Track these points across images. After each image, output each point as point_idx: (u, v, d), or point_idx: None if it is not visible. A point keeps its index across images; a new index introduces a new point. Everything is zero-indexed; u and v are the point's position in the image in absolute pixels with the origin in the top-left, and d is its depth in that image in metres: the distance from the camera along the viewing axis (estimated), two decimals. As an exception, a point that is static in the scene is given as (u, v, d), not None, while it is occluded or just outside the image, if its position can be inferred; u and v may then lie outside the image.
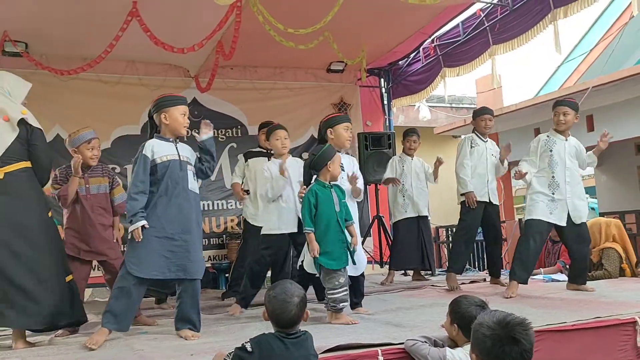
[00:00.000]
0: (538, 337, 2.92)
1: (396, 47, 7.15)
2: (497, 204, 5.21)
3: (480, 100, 10.36)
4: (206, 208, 6.89)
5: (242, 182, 5.35)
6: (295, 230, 4.12)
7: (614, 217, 6.09)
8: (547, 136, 4.55)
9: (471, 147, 5.13)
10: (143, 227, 3.16)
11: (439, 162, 5.69)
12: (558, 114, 4.47)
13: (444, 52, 7.02)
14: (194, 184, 3.41)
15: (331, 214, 3.61)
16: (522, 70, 26.69)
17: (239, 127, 7.14)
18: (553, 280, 5.26)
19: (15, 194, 3.31)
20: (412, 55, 7.57)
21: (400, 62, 7.80)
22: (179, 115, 3.37)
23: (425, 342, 2.59)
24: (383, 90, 8.10)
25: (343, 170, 3.95)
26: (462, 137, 5.39)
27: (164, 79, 6.73)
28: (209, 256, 6.78)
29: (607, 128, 7.80)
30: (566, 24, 5.57)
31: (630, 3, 6.42)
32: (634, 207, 8.46)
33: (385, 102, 8.11)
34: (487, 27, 6.30)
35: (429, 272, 6.13)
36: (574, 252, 4.53)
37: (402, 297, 4.75)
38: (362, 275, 4.04)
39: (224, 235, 6.91)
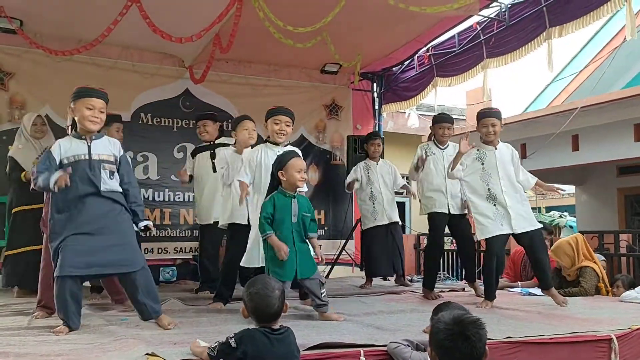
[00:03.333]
0: (516, 348, 2.99)
1: (392, 53, 7.19)
2: (460, 213, 5.13)
3: (470, 112, 10.46)
4: (190, 199, 6.83)
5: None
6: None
7: (592, 237, 6.20)
8: (477, 150, 4.52)
9: (426, 155, 5.14)
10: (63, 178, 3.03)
11: (413, 196, 5.88)
12: (487, 126, 4.44)
13: (437, 62, 7.09)
14: (109, 184, 3.27)
15: (286, 225, 3.55)
16: (512, 86, 26.99)
17: (230, 121, 7.11)
18: (530, 294, 5.33)
19: None
20: (406, 63, 7.61)
21: (394, 69, 7.85)
22: (83, 108, 3.21)
23: (408, 345, 2.63)
24: (375, 95, 8.14)
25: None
26: (419, 145, 5.34)
27: (158, 67, 6.69)
28: (190, 248, 6.74)
29: (591, 148, 8.00)
30: (559, 43, 5.66)
31: (623, 27, 6.55)
32: (612, 227, 8.63)
33: (377, 107, 8.15)
34: (483, 41, 6.36)
35: (400, 276, 6.15)
36: (531, 258, 4.58)
37: (383, 301, 4.79)
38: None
39: (207, 228, 6.86)
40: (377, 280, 6.23)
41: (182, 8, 5.18)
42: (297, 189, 3.63)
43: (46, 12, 5.49)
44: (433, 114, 12.27)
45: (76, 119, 3.25)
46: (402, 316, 3.83)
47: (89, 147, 3.25)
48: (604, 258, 5.73)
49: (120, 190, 3.33)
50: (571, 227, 11.41)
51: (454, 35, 6.84)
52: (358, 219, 7.10)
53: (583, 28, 5.34)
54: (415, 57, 7.39)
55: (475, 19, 6.44)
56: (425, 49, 7.17)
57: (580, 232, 6.26)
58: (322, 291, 3.65)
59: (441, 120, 5.22)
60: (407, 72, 7.73)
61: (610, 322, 3.56)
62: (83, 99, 3.24)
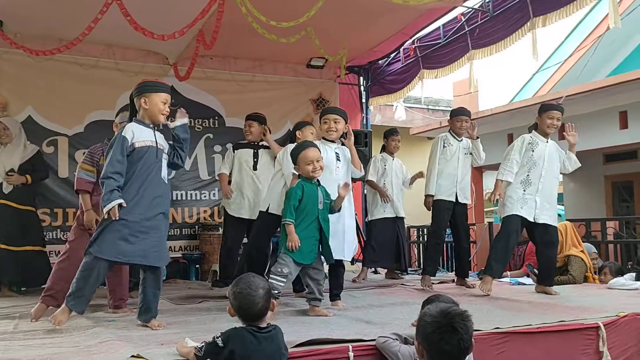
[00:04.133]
0: (504, 338, 3.00)
1: (377, 46, 7.17)
2: (466, 203, 5.28)
3: (457, 104, 10.46)
4: (179, 198, 6.82)
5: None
6: None
7: (580, 224, 6.24)
8: (531, 137, 4.70)
9: (444, 146, 5.24)
10: (120, 205, 3.12)
11: (419, 176, 5.92)
12: (552, 118, 4.62)
13: (423, 54, 7.08)
14: (165, 173, 3.40)
15: (314, 211, 3.65)
16: (498, 77, 27.08)
17: (216, 117, 7.07)
18: (520, 283, 5.36)
19: None
20: (392, 55, 7.60)
21: (380, 62, 7.83)
22: (159, 102, 3.35)
23: (396, 339, 2.62)
24: (362, 88, 8.12)
25: (339, 159, 4.07)
26: (437, 136, 5.47)
27: (142, 65, 6.62)
28: (180, 246, 6.72)
29: (577, 137, 8.02)
30: (543, 32, 5.68)
31: (607, 15, 6.57)
32: (599, 215, 8.69)
33: (364, 100, 8.13)
34: (467, 32, 6.37)
35: (403, 270, 6.22)
36: (541, 253, 4.69)
37: (373, 294, 4.79)
38: (343, 267, 4.10)
39: (197, 226, 6.83)
40: (368, 274, 6.23)
41: (164, 5, 5.12)
42: (315, 177, 3.70)
43: (27, 12, 5.41)
44: (420, 106, 12.34)
45: (147, 109, 3.33)
46: (392, 310, 3.83)
47: (155, 135, 3.37)
48: (595, 250, 5.76)
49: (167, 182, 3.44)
50: (559, 215, 11.48)
51: (439, 27, 6.84)
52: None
53: (567, 17, 5.37)
54: (401, 50, 7.39)
55: (459, 10, 6.44)
56: (410, 41, 7.16)
57: (568, 220, 6.31)
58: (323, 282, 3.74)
59: (459, 114, 5.33)
60: (393, 65, 7.72)
61: (597, 309, 3.59)
62: (158, 93, 3.36)
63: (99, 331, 3.11)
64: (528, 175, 4.59)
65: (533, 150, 4.61)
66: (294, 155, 3.72)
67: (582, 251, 5.35)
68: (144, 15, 4.78)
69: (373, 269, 6.70)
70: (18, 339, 2.99)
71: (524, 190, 4.57)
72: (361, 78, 8.13)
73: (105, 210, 3.14)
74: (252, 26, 5.09)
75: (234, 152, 5.42)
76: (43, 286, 5.11)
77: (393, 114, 10.54)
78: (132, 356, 2.37)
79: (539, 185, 4.55)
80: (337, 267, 4.03)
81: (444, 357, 2.04)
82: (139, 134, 3.30)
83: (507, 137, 8.79)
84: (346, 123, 4.21)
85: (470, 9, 6.27)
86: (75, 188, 4.22)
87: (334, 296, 4.05)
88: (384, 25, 6.40)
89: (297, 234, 3.58)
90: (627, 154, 9.04)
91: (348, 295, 4.67)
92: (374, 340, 2.70)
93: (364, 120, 8.07)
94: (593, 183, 9.94)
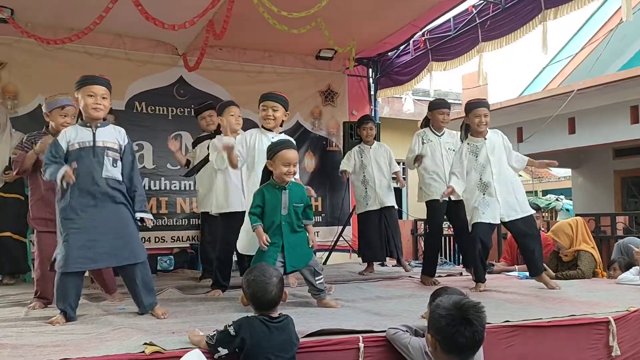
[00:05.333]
0: (513, 332, 3.00)
1: (387, 38, 7.14)
2: (457, 199, 5.03)
3: (466, 96, 10.39)
4: (187, 188, 6.83)
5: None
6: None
7: (589, 219, 6.21)
8: (468, 143, 4.50)
9: (422, 143, 5.09)
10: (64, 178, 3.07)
11: (400, 184, 5.91)
12: (480, 116, 4.36)
13: (433, 46, 7.04)
14: (110, 171, 3.28)
15: (275, 217, 3.46)
16: (508, 69, 26.93)
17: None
18: (527, 277, 5.34)
19: None
20: (401, 47, 7.57)
21: (389, 54, 7.80)
22: (85, 96, 3.24)
23: (407, 331, 2.62)
24: (371, 80, 8.09)
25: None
26: (416, 132, 5.28)
27: (151, 55, 6.62)
28: (188, 237, 6.74)
29: (588, 131, 8.00)
30: (554, 25, 5.62)
31: (619, 8, 6.51)
32: (608, 210, 8.66)
33: (372, 92, 8.10)
34: (478, 24, 6.32)
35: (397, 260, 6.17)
36: (520, 245, 4.62)
37: (381, 287, 4.78)
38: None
39: (204, 216, 6.86)
40: (375, 266, 6.23)
41: (174, -6, 5.12)
42: (287, 181, 3.48)
43: (38, 1, 5.42)
44: (429, 99, 12.26)
45: (81, 107, 3.28)
46: (400, 302, 3.83)
47: (94, 134, 3.28)
48: None
49: (121, 179, 3.34)
50: (567, 210, 11.45)
51: (450, 19, 6.79)
52: (355, 205, 7.11)
53: (578, 10, 5.32)
54: (411, 42, 7.34)
55: (470, 2, 6.40)
56: (420, 33, 7.12)
57: (577, 215, 6.28)
58: (316, 279, 3.60)
59: (441, 106, 5.15)
60: (402, 57, 7.68)
61: (607, 304, 3.56)
62: (84, 87, 3.26)
63: (110, 319, 3.14)
64: (481, 179, 4.40)
65: (476, 155, 4.42)
66: (271, 152, 3.47)
67: (592, 247, 5.32)
68: (154, 4, 4.78)
69: (380, 262, 6.70)
70: (30, 325, 3.02)
71: (484, 194, 4.39)
72: (370, 70, 8.10)
73: (59, 179, 3.08)
74: (262, 16, 5.07)
75: (194, 147, 5.35)
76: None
77: (402, 106, 10.51)
78: (145, 344, 2.38)
79: (494, 185, 4.36)
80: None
81: (458, 350, 2.04)
82: (73, 137, 3.24)
83: (516, 130, 8.76)
84: (286, 111, 4.02)
85: (482, 1, 6.22)
86: (16, 172, 4.12)
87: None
88: (394, 16, 6.37)
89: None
90: (638, 149, 8.98)
91: (356, 288, 4.69)
92: (384, 331, 2.70)
93: (373, 112, 8.04)
94: (602, 178, 9.89)
